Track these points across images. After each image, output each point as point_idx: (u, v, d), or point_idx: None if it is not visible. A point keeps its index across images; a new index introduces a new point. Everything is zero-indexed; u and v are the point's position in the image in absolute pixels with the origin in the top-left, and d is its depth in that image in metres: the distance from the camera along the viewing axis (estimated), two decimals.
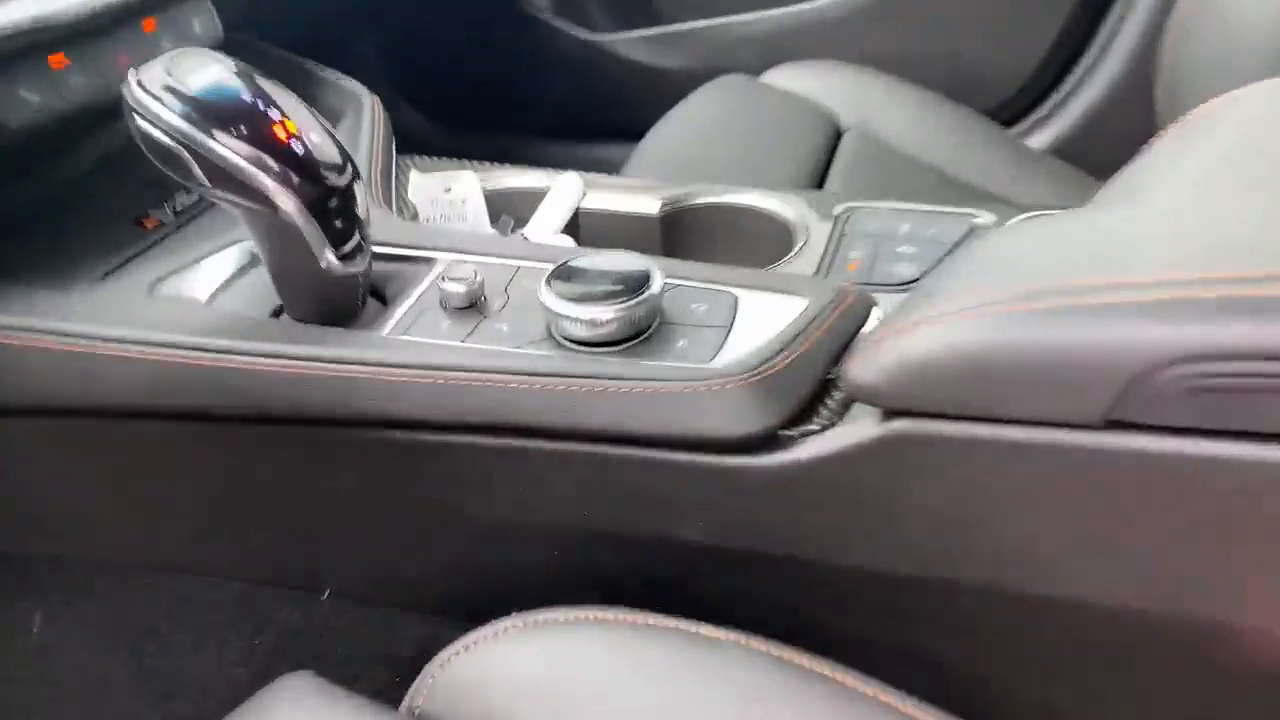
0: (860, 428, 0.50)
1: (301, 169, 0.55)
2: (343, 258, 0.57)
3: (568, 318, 0.54)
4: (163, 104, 0.53)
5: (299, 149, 0.55)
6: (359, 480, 0.59)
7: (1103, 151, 1.37)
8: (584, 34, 1.50)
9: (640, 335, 0.56)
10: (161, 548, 0.68)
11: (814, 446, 0.51)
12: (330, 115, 0.83)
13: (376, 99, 0.82)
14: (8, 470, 0.67)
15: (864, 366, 0.48)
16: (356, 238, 0.58)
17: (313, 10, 1.32)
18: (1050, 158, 1.21)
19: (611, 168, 1.08)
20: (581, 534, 0.57)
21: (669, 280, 0.58)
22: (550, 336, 0.56)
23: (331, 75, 0.84)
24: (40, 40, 0.63)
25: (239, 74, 0.56)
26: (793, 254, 0.69)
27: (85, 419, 0.61)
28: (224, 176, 0.54)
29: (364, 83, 1.53)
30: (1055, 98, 1.42)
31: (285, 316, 0.62)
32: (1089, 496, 0.46)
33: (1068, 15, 1.36)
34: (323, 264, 0.57)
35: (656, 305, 0.56)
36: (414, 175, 0.73)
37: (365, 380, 0.55)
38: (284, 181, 0.54)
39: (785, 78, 1.25)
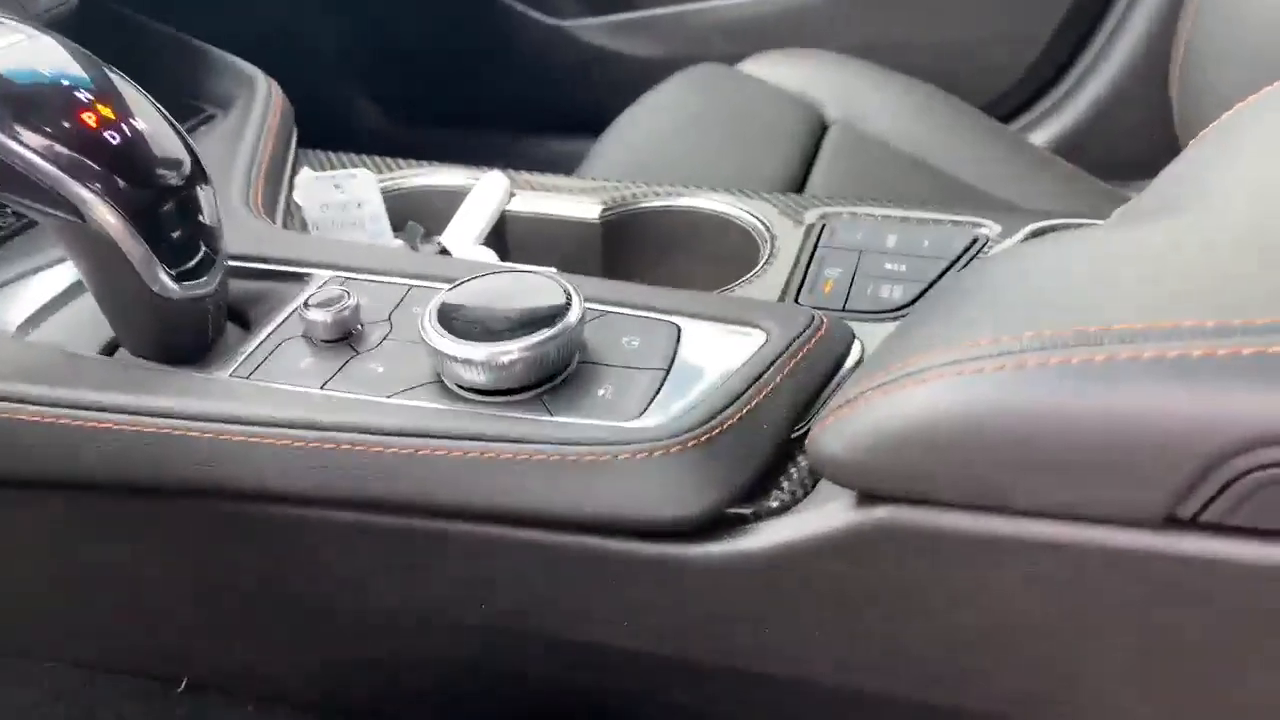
0: (832, 511, 0.37)
1: (120, 166, 0.43)
2: (182, 277, 0.45)
3: (455, 359, 0.42)
4: None
5: (115, 139, 0.43)
6: (196, 557, 0.47)
7: (1110, 150, 1.28)
8: (550, 20, 1.39)
9: (553, 379, 0.44)
10: None
11: (771, 533, 0.39)
12: (216, 101, 0.71)
13: (274, 84, 0.70)
14: None
15: (834, 436, 0.36)
16: (202, 251, 0.46)
17: None
18: (1055, 157, 1.10)
19: (577, 163, 0.97)
20: (479, 631, 0.45)
21: (593, 306, 0.46)
22: (438, 380, 0.44)
23: (220, 55, 0.72)
24: None
25: (42, 48, 0.44)
26: (755, 271, 0.56)
27: None
28: (15, 177, 0.42)
29: (316, 73, 1.43)
30: (1058, 91, 1.34)
31: (121, 351, 0.50)
32: (1138, 614, 0.34)
33: (1073, 2, 1.25)
34: (154, 287, 0.45)
35: (574, 340, 0.44)
36: (302, 175, 0.60)
37: (187, 440, 0.42)
38: (94, 183, 0.42)
39: (765, 67, 1.15)
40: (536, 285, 0.45)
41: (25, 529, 0.51)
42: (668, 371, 0.44)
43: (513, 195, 0.64)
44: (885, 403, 0.34)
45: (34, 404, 0.44)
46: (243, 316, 0.51)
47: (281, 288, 0.51)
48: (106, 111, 0.43)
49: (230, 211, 0.55)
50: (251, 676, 0.54)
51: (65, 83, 0.43)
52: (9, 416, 0.44)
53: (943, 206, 0.61)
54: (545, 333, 0.42)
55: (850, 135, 1.04)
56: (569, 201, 0.63)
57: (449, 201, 0.65)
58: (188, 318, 0.47)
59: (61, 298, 0.52)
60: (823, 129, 1.05)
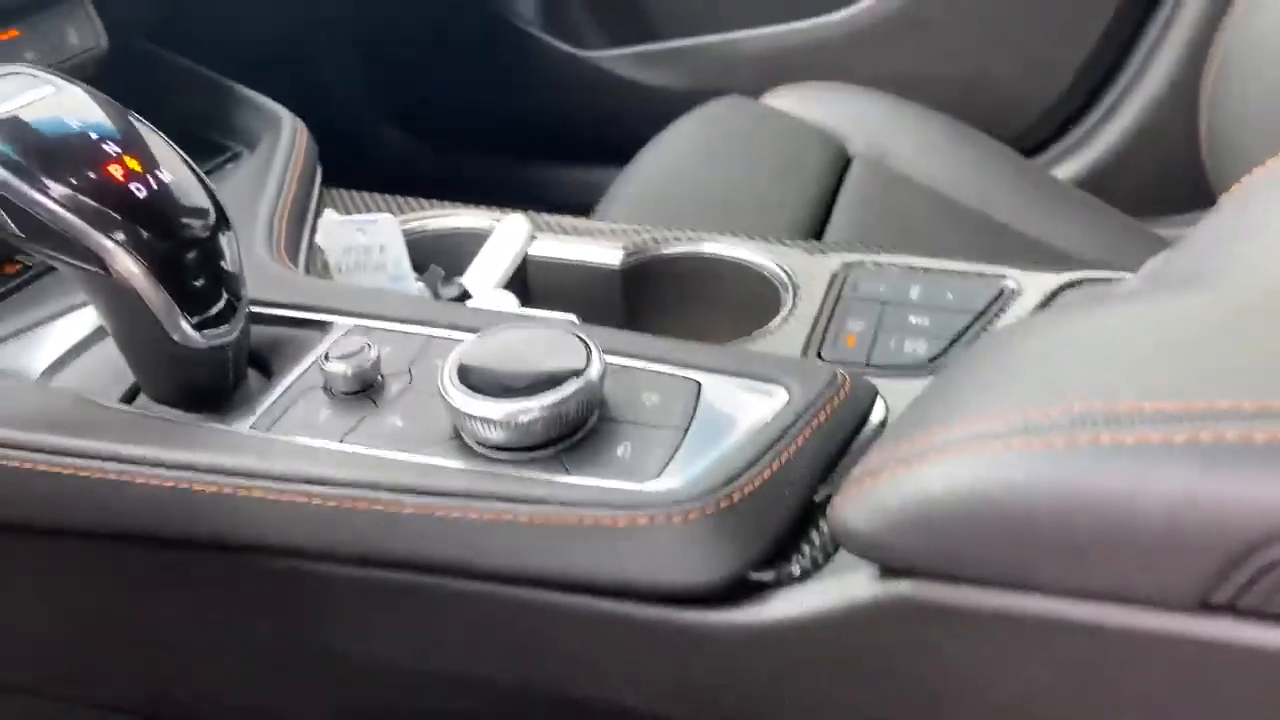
0: (853, 582, 0.37)
1: (145, 218, 0.43)
2: (203, 325, 0.45)
3: (473, 417, 0.41)
4: None
5: (140, 192, 0.43)
6: (208, 607, 0.47)
7: (1138, 184, 1.27)
8: (573, 50, 1.40)
9: (572, 435, 0.43)
10: None
11: (790, 601, 0.38)
12: (243, 139, 0.72)
13: (301, 125, 0.70)
14: None
15: (857, 509, 0.35)
16: (224, 299, 0.46)
17: (279, 23, 1.23)
18: (1081, 192, 1.09)
19: (602, 193, 0.98)
20: (490, 687, 0.45)
21: (612, 360, 0.46)
22: (456, 436, 0.44)
23: (248, 94, 0.72)
24: None
25: (67, 98, 0.44)
26: (777, 320, 0.56)
27: None
28: (39, 228, 0.42)
29: (341, 100, 1.44)
30: (1084, 125, 1.32)
31: (142, 397, 0.50)
32: (1165, 698, 0.33)
33: (1101, 34, 1.25)
34: (175, 335, 0.45)
35: (593, 398, 0.43)
36: (326, 217, 0.61)
37: (204, 494, 0.42)
38: (117, 234, 0.42)
39: (788, 100, 1.15)
40: (556, 340, 0.44)
41: (38, 574, 0.51)
42: (686, 430, 0.43)
43: (534, 238, 0.64)
44: (909, 477, 0.34)
45: (53, 453, 0.44)
46: (264, 363, 0.51)
47: (302, 334, 0.51)
48: (132, 163, 0.43)
49: (253, 257, 0.55)
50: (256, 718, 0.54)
51: (92, 135, 0.43)
52: (29, 467, 0.44)
53: (968, 249, 0.60)
54: (564, 391, 0.42)
55: (874, 170, 1.04)
56: (590, 246, 0.63)
57: (471, 243, 0.65)
58: (209, 366, 0.47)
59: (83, 343, 0.52)
60: (846, 163, 1.05)
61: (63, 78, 0.45)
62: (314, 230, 0.62)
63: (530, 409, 0.41)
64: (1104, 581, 0.31)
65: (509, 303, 0.58)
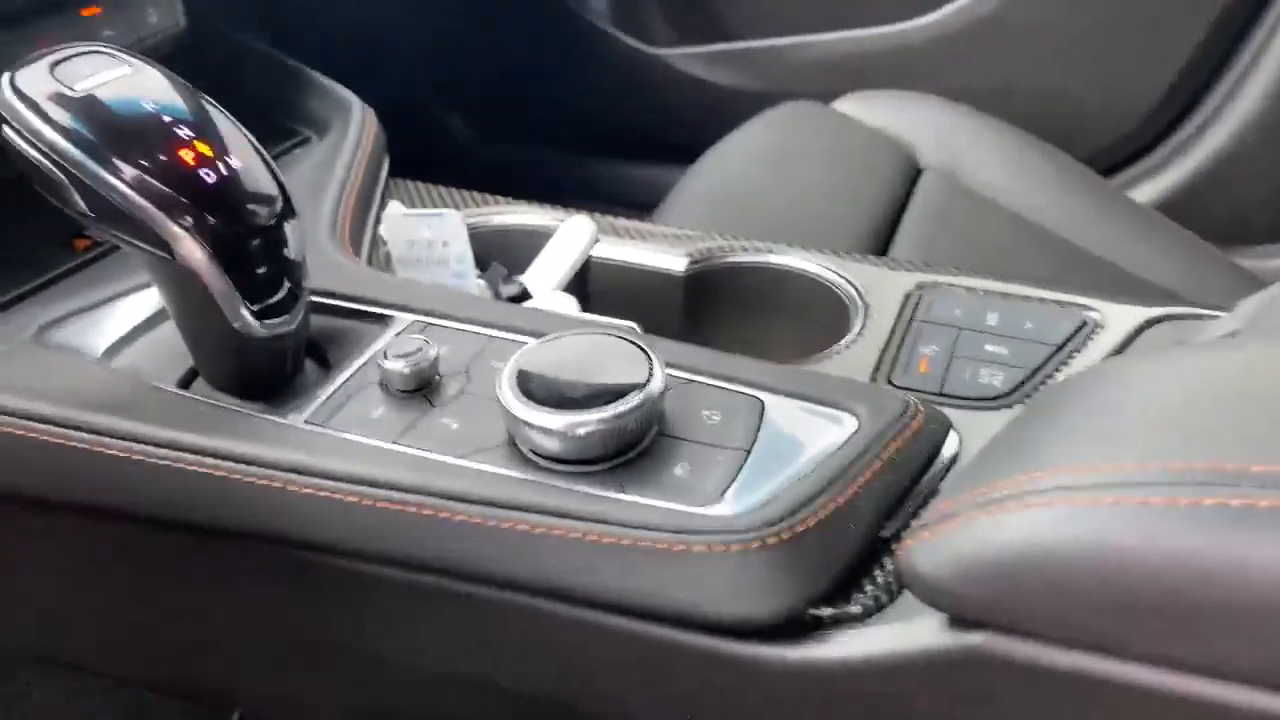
0: (919, 628, 0.35)
1: (212, 205, 0.43)
2: (264, 314, 0.45)
3: (530, 425, 0.40)
4: (38, 113, 0.42)
5: (210, 178, 0.43)
6: (251, 597, 0.47)
7: (1225, 211, 1.22)
8: (644, 46, 1.38)
9: (629, 450, 0.42)
10: (39, 637, 0.56)
11: (850, 642, 0.36)
12: (312, 124, 0.71)
13: (370, 113, 0.70)
14: None
15: (929, 554, 0.33)
16: (286, 288, 0.46)
17: (348, 9, 1.23)
18: (1164, 218, 1.05)
19: (664, 192, 0.96)
20: (518, 700, 0.44)
21: (675, 374, 0.44)
22: (510, 443, 0.43)
23: (319, 79, 0.72)
24: None
25: (143, 80, 0.44)
26: (847, 340, 0.54)
27: None
28: (109, 209, 0.42)
29: (402, 85, 1.44)
30: (1164, 149, 1.28)
31: (199, 381, 0.49)
32: None
33: (1190, 56, 1.20)
34: (236, 324, 0.44)
35: (654, 413, 0.42)
36: (391, 208, 0.60)
37: (255, 486, 0.42)
38: (186, 220, 0.42)
39: (860, 107, 1.12)
40: (617, 350, 0.43)
41: (82, 552, 0.51)
42: (748, 453, 0.42)
43: (597, 240, 0.63)
44: (987, 524, 0.32)
45: (109, 435, 0.44)
46: (321, 353, 0.51)
47: (362, 327, 0.51)
48: (203, 148, 0.43)
49: (317, 246, 0.55)
50: (302, 714, 0.54)
51: (165, 118, 0.43)
52: (88, 448, 0.44)
53: (1040, 271, 0.57)
54: (624, 405, 0.40)
55: (945, 183, 1.01)
56: (653, 251, 0.61)
57: (533, 241, 0.64)
58: (267, 354, 0.47)
59: (145, 324, 0.52)
60: (916, 173, 1.02)
61: (139, 58, 0.45)
62: (378, 221, 0.62)
63: (588, 422, 0.40)
64: (1199, 654, 0.29)
65: (569, 306, 0.57)
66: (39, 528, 0.49)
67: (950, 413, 0.45)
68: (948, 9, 1.24)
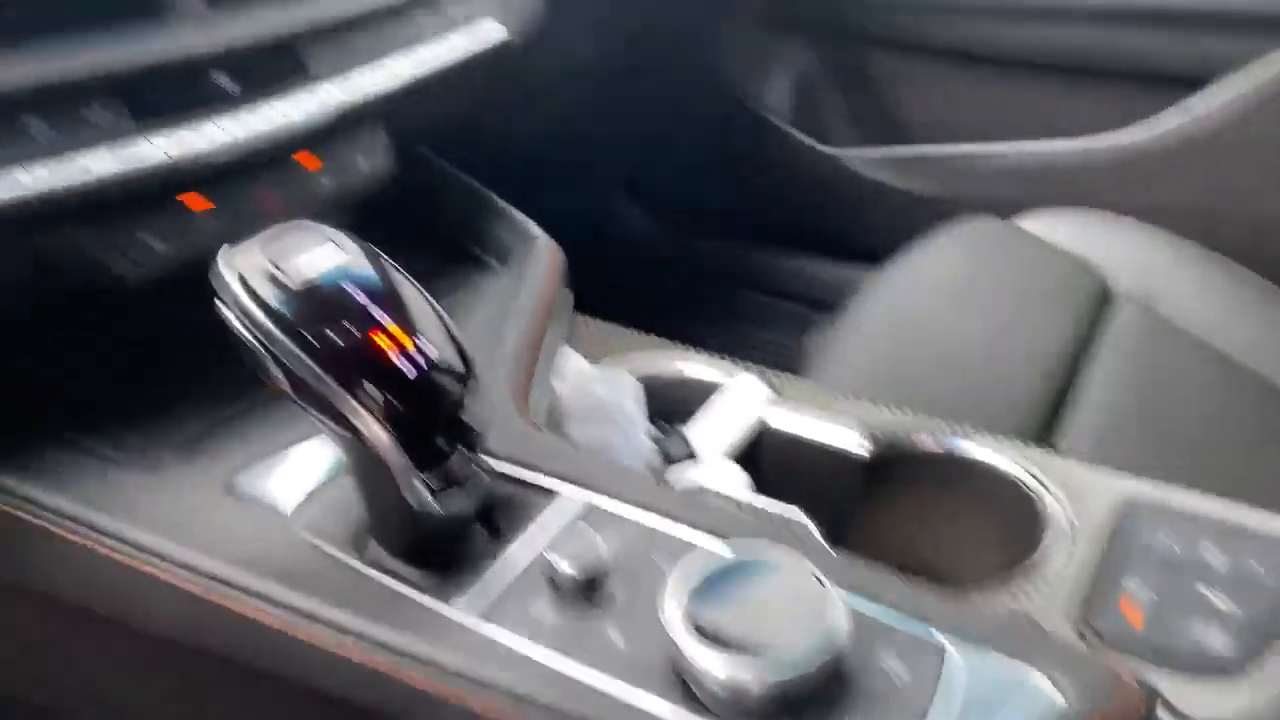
0: None
1: (402, 393, 0.44)
2: (440, 491, 0.46)
3: (696, 668, 0.39)
4: (249, 292, 0.44)
5: (406, 367, 0.44)
6: None
7: None
8: (824, 148, 1.37)
9: (805, 705, 0.39)
10: None
11: None
12: (494, 253, 0.73)
13: (555, 248, 0.71)
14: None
15: None
16: (463, 468, 0.46)
17: (547, 109, 1.27)
18: None
19: (844, 289, 0.94)
20: None
21: (860, 607, 0.42)
22: (673, 673, 0.41)
23: (503, 207, 0.74)
24: (174, 180, 0.55)
25: (348, 263, 0.46)
26: (1042, 556, 0.49)
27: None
28: (307, 389, 0.44)
29: (590, 179, 1.47)
30: None
31: (371, 544, 0.51)
32: None
33: None
34: (411, 501, 0.45)
35: (836, 670, 0.39)
36: (572, 362, 0.60)
37: (407, 684, 0.42)
38: (375, 405, 0.43)
39: (1044, 224, 1.08)
40: (800, 587, 0.40)
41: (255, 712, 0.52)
42: (927, 711, 0.38)
43: (770, 404, 0.61)
44: None
45: (279, 606, 0.45)
46: (490, 518, 0.51)
47: (529, 497, 0.51)
48: (400, 335, 0.44)
49: (495, 406, 0.56)
50: None
51: (368, 301, 0.44)
52: (256, 618, 0.46)
53: (1248, 425, 0.50)
54: (805, 665, 0.38)
55: (1141, 313, 0.94)
56: (831, 426, 0.59)
57: (702, 392, 0.63)
58: (440, 529, 0.48)
59: (330, 477, 0.54)
60: (1105, 299, 0.96)
61: (345, 237, 0.47)
62: (552, 367, 0.62)
63: (763, 679, 0.38)
64: None
65: (738, 481, 0.56)
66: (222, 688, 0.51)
67: (1163, 680, 0.40)
68: (1150, 125, 1.17)
